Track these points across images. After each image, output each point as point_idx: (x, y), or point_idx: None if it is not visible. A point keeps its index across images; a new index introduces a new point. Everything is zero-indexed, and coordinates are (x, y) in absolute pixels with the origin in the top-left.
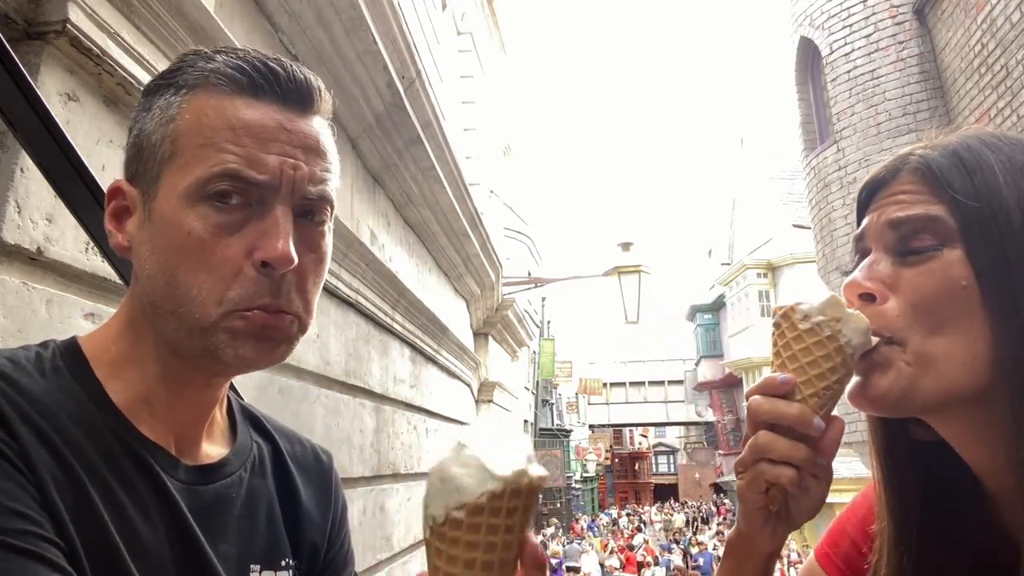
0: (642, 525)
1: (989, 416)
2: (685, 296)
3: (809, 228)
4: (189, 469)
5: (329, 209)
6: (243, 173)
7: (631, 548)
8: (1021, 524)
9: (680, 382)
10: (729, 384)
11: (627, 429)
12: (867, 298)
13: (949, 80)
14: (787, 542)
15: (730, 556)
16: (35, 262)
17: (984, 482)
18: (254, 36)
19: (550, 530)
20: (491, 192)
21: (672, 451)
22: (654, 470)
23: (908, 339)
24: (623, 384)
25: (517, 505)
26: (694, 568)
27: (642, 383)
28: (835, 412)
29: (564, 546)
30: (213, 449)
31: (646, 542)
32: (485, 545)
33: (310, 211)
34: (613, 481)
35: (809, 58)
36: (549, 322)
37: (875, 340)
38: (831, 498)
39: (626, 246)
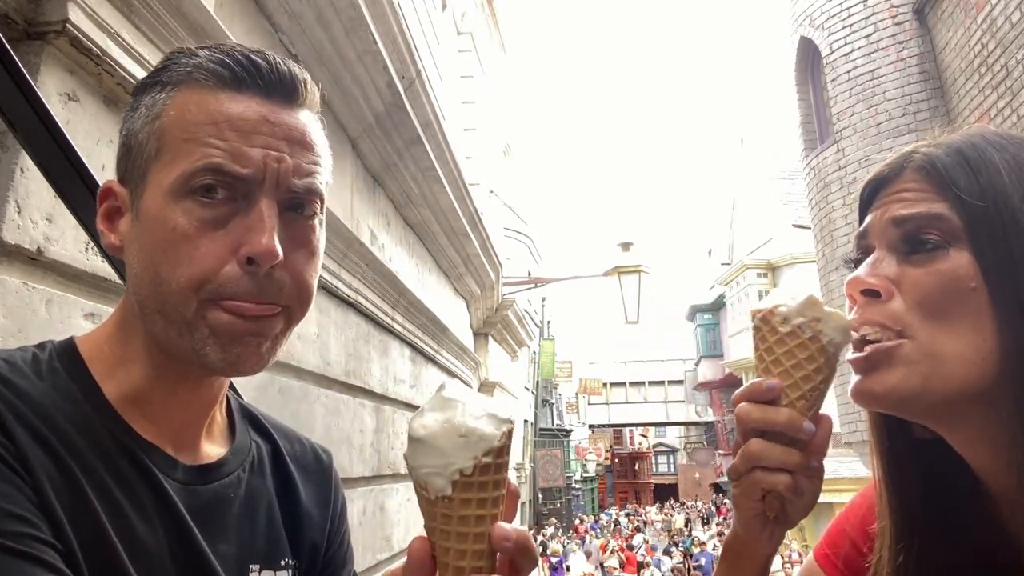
0: (641, 525)
1: (993, 416)
2: (685, 296)
3: (809, 228)
4: (187, 469)
5: (319, 202)
6: (226, 167)
7: (631, 548)
8: (1022, 525)
9: (680, 382)
10: (729, 384)
11: (627, 429)
12: (871, 295)
13: (949, 80)
14: (788, 542)
15: (728, 558)
16: (35, 262)
17: (985, 482)
18: (254, 36)
19: (550, 530)
20: (491, 192)
21: (672, 451)
22: (654, 470)
23: (916, 335)
24: (623, 384)
25: (510, 442)
26: (695, 568)
27: (642, 383)
28: (834, 413)
29: (564, 545)
30: (212, 449)
31: (646, 542)
32: (500, 481)
33: (298, 205)
34: (613, 481)
35: (809, 58)
36: (549, 322)
37: (855, 336)
38: (831, 498)
39: (626, 246)
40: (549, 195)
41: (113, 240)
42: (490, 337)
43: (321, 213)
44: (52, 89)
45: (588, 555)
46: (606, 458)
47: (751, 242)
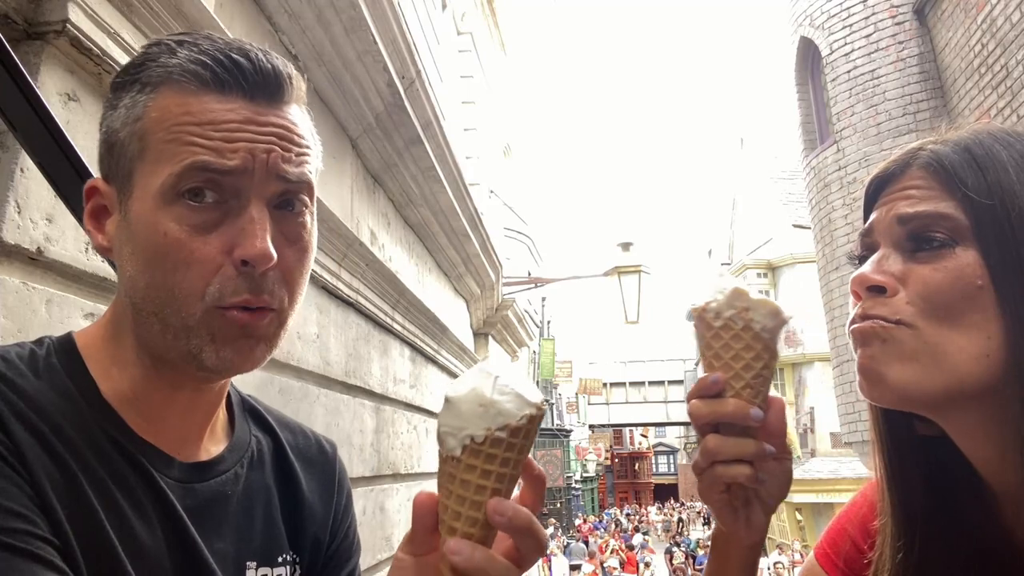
0: (640, 525)
1: (997, 414)
2: (685, 296)
3: (809, 228)
4: (184, 467)
5: (309, 195)
6: (213, 163)
7: (631, 548)
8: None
9: (680, 382)
10: None
11: (627, 429)
12: (876, 291)
13: (949, 80)
14: (791, 543)
15: (715, 551)
16: (35, 262)
17: (988, 481)
18: (254, 36)
19: (549, 530)
20: (491, 192)
21: (672, 451)
22: (654, 470)
23: (919, 325)
24: (623, 384)
25: (534, 429)
26: (698, 569)
27: (642, 383)
28: (834, 413)
29: (566, 544)
30: (212, 445)
31: (646, 542)
32: (514, 462)
33: (288, 202)
34: (613, 481)
35: (809, 58)
36: (549, 322)
37: (788, 317)
38: (831, 498)
39: (626, 246)
40: (549, 195)
41: (101, 241)
42: (490, 337)
43: (312, 205)
44: (52, 89)
45: (591, 556)
46: (606, 458)
47: (751, 242)
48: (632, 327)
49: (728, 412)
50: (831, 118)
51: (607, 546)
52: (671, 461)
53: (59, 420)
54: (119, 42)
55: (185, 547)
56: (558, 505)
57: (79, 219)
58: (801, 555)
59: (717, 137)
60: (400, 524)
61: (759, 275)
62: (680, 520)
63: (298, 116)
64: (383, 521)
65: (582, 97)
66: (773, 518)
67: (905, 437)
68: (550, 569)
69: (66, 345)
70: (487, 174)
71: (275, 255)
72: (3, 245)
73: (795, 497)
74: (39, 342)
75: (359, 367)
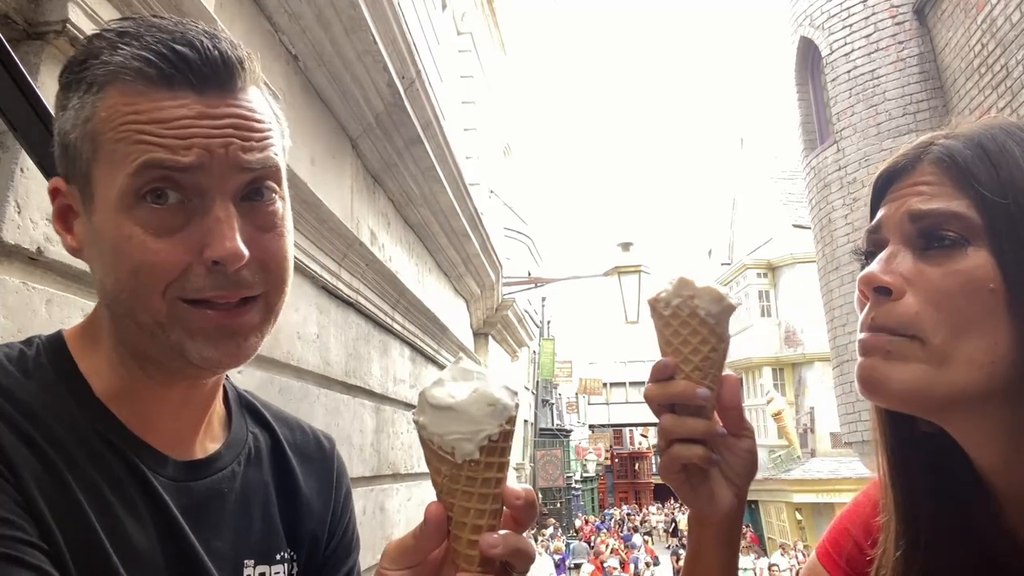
0: (642, 525)
1: (1003, 418)
2: None
3: (809, 228)
4: (179, 466)
5: (276, 179)
6: (167, 160)
7: (633, 548)
8: None
9: None
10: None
11: (627, 429)
12: (882, 292)
13: (949, 80)
14: (795, 543)
15: (690, 532)
16: (35, 262)
17: (992, 483)
18: (254, 36)
19: (548, 530)
20: (491, 192)
21: None
22: (654, 470)
23: (928, 338)
24: (623, 384)
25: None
26: None
27: (642, 383)
28: (834, 413)
29: (567, 543)
30: (208, 443)
31: (646, 542)
32: (511, 447)
33: (256, 191)
34: (613, 481)
35: (809, 58)
36: (549, 322)
37: (735, 303)
38: (832, 498)
39: (626, 246)
40: (549, 195)
41: (71, 242)
42: (490, 337)
43: (282, 189)
44: (52, 89)
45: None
46: (606, 458)
47: (751, 242)
48: (632, 327)
49: (677, 392)
50: (831, 118)
51: (606, 546)
52: None
53: (48, 421)
54: None
55: (179, 547)
56: (558, 505)
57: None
58: (804, 555)
59: (717, 137)
60: (400, 524)
61: (759, 275)
62: (674, 521)
63: (256, 100)
64: (383, 521)
65: (582, 97)
66: (773, 518)
67: (908, 435)
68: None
69: (56, 344)
70: (487, 174)
71: (246, 253)
72: (3, 245)
73: (795, 497)
74: (28, 342)
75: (359, 367)
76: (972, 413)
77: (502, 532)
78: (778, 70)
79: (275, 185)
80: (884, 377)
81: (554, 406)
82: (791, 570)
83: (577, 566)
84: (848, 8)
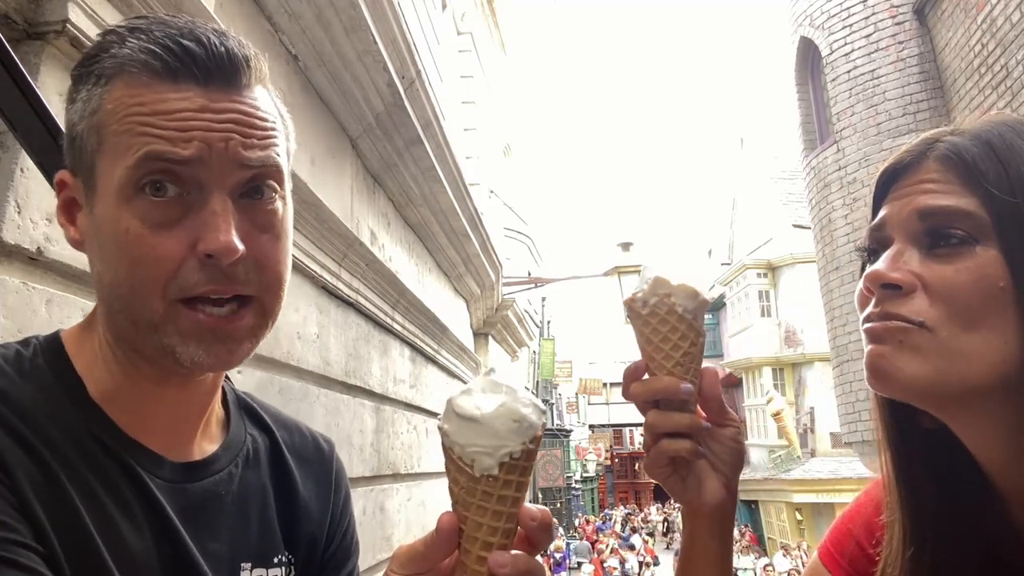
0: (645, 525)
1: (1008, 416)
2: None
3: (809, 228)
4: (175, 467)
5: (277, 179)
6: (166, 152)
7: (631, 548)
8: None
9: None
10: (729, 384)
11: (627, 429)
12: (891, 288)
13: (949, 80)
14: (799, 543)
15: (684, 523)
16: (35, 262)
17: (996, 480)
18: (254, 36)
19: None
20: (491, 192)
21: None
22: None
23: (939, 330)
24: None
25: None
26: None
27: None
28: (835, 414)
29: (567, 543)
30: (206, 444)
31: (646, 542)
32: (532, 468)
33: (256, 188)
34: (613, 481)
35: (809, 58)
36: (549, 322)
37: (709, 298)
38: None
39: (626, 246)
40: (549, 195)
41: (74, 235)
42: (490, 337)
43: (283, 189)
44: (52, 89)
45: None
46: (606, 458)
47: (751, 242)
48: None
49: (661, 388)
50: (831, 118)
51: (606, 546)
52: None
53: (43, 422)
54: None
55: (175, 549)
56: (558, 505)
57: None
58: (807, 556)
59: (717, 137)
60: (400, 524)
61: (759, 275)
62: (667, 521)
63: (261, 98)
64: (383, 521)
65: (582, 97)
66: (773, 518)
67: (911, 432)
68: (555, 566)
69: (53, 344)
70: (487, 174)
71: (240, 247)
72: (3, 245)
73: (795, 497)
74: (25, 342)
75: (359, 367)
76: (977, 409)
77: (513, 552)
78: (778, 70)
79: (276, 185)
80: (894, 368)
81: (554, 406)
82: (794, 572)
83: (579, 565)
84: (848, 8)
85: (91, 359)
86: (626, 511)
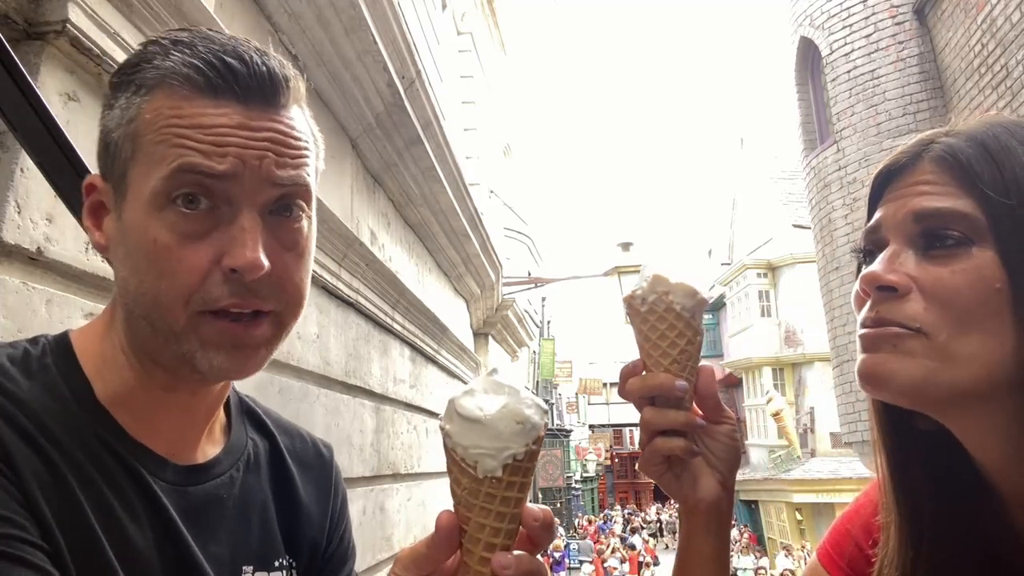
0: (646, 525)
1: (1006, 416)
2: None
3: (809, 228)
4: (178, 470)
5: (306, 198)
6: (202, 165)
7: (631, 548)
8: None
9: None
10: (729, 384)
11: (627, 429)
12: (887, 290)
13: (949, 80)
14: (804, 545)
15: (681, 521)
16: (35, 262)
17: (994, 481)
18: (254, 36)
19: None
20: (491, 192)
21: None
22: None
23: (934, 335)
24: None
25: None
26: None
27: None
28: (834, 414)
29: (567, 543)
30: (208, 448)
31: (646, 542)
32: (534, 468)
33: (285, 206)
34: (613, 481)
35: (809, 58)
36: (549, 322)
37: (707, 297)
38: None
39: (626, 246)
40: (549, 195)
41: (99, 239)
42: (490, 337)
43: (310, 208)
44: (52, 89)
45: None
46: (606, 458)
47: (751, 242)
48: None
49: (656, 384)
50: (831, 118)
51: (607, 546)
52: None
53: (49, 423)
54: (119, 42)
55: (178, 550)
56: (558, 505)
57: (79, 219)
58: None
59: (717, 137)
60: (400, 524)
61: (759, 275)
62: (659, 521)
63: (297, 118)
64: (383, 521)
65: (582, 97)
66: (773, 518)
67: (907, 433)
68: (554, 564)
69: (61, 345)
70: (487, 174)
71: (266, 263)
72: (3, 245)
73: (795, 497)
74: (34, 341)
75: (359, 367)
76: (974, 411)
77: (516, 553)
78: (778, 70)
79: (304, 204)
80: (888, 371)
81: (554, 406)
82: (787, 572)
83: (580, 564)
84: (848, 8)
85: (101, 361)
86: (627, 511)
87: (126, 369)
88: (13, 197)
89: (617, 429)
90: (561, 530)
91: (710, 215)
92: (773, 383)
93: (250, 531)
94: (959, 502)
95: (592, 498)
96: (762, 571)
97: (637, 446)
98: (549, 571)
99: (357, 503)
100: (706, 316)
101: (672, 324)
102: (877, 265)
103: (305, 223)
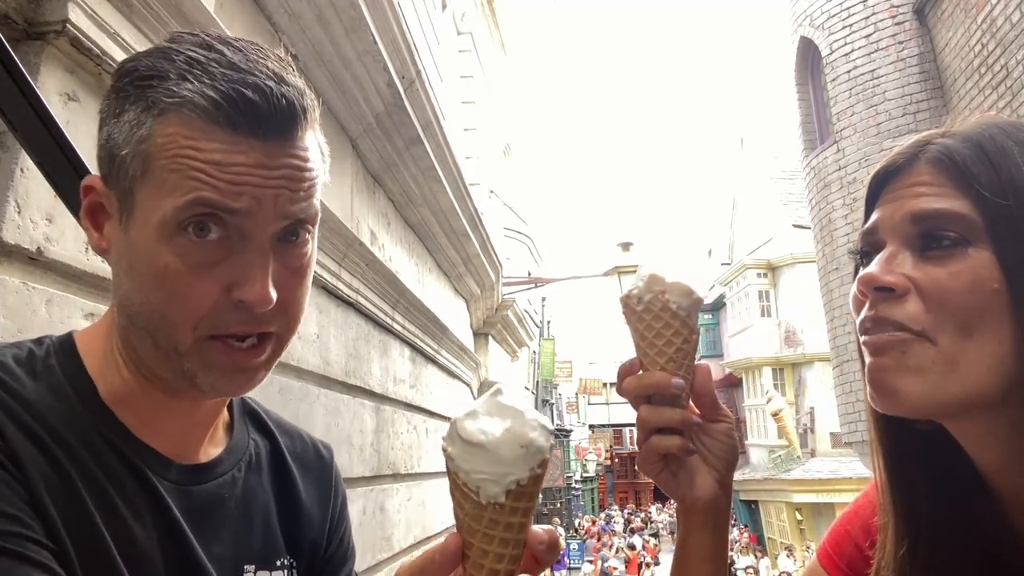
0: (649, 525)
1: (1005, 418)
2: None
3: (809, 228)
4: (181, 469)
5: (313, 222)
6: (217, 201)
7: (631, 548)
8: None
9: None
10: (729, 384)
11: (627, 429)
12: (884, 292)
13: (949, 80)
14: (808, 544)
15: (679, 519)
16: (35, 262)
17: (994, 482)
18: (254, 36)
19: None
20: (491, 192)
21: None
22: None
23: (936, 337)
24: None
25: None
26: None
27: None
28: (834, 414)
29: (567, 543)
30: (210, 448)
31: (646, 542)
32: (539, 491)
33: (292, 231)
34: (613, 481)
35: (809, 58)
36: (549, 322)
37: (703, 296)
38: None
39: (626, 246)
40: (549, 195)
41: (99, 241)
42: (490, 337)
43: (314, 228)
44: (52, 89)
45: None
46: (606, 458)
47: (751, 242)
48: None
49: (652, 383)
50: (831, 118)
51: (608, 546)
52: None
53: (54, 422)
54: (119, 42)
55: (181, 549)
56: (558, 505)
57: (79, 219)
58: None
59: (717, 137)
60: (400, 524)
61: (759, 275)
62: (650, 522)
63: (311, 147)
64: (383, 521)
65: (582, 97)
66: (773, 518)
67: (904, 433)
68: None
69: (66, 345)
70: (487, 174)
71: (274, 298)
72: (3, 245)
73: (795, 497)
74: (39, 342)
75: (359, 367)
76: (976, 414)
77: (545, 529)
78: (778, 70)
79: (310, 227)
80: (899, 389)
81: (554, 406)
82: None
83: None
84: (848, 8)
85: (104, 362)
86: (628, 512)
87: (125, 372)
88: (13, 197)
89: (617, 429)
90: (561, 530)
91: (710, 215)
92: (773, 383)
93: (252, 531)
94: (957, 502)
95: (592, 498)
96: (750, 569)
97: (637, 446)
98: (549, 571)
99: (357, 503)
100: (706, 316)
101: (668, 323)
102: (874, 266)
103: (309, 245)
